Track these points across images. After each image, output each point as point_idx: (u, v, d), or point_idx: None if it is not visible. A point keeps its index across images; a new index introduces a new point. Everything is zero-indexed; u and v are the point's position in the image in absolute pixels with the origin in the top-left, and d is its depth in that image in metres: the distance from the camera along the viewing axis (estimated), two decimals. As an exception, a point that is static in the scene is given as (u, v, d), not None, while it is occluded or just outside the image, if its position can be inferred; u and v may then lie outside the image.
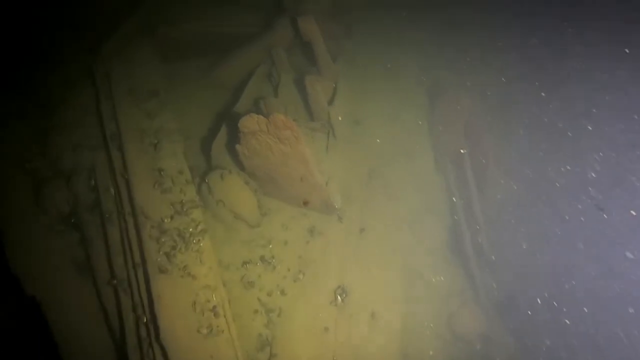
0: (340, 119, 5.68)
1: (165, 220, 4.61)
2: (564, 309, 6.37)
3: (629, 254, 5.97)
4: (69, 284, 4.56)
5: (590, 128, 5.81)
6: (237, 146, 4.99)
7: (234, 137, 5.00)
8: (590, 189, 5.99)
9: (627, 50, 5.92)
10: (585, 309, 6.30)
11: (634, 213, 5.92)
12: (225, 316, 4.33)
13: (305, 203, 5.32)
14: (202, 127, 6.20)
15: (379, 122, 6.49)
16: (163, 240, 4.47)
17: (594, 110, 5.93)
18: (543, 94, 6.27)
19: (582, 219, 6.06)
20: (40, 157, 5.09)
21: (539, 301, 6.43)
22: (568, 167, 5.84)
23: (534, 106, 6.12)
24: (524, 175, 6.02)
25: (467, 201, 6.05)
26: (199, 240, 4.57)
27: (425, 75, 6.70)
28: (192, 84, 6.50)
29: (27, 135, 5.46)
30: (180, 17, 6.63)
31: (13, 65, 5.84)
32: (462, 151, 5.52)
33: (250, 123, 4.70)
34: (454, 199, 6.13)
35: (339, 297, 5.05)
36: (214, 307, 4.30)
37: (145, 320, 4.18)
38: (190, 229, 4.64)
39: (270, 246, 5.25)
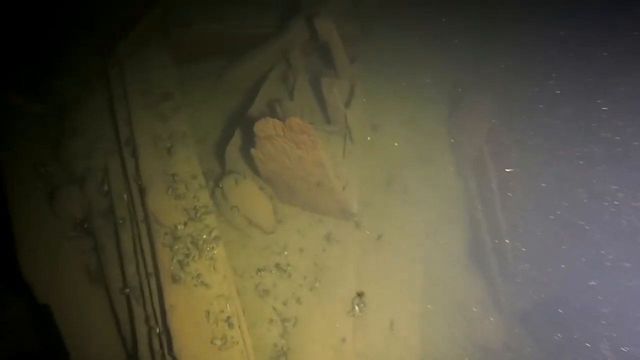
0: (357, 122, 5.50)
1: (179, 227, 4.48)
2: (587, 321, 6.14)
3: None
4: (80, 292, 4.47)
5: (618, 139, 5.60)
6: (252, 150, 4.86)
7: (249, 141, 4.87)
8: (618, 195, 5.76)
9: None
10: (606, 320, 6.08)
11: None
12: (239, 327, 4.20)
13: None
14: (215, 131, 6.09)
15: (397, 126, 6.32)
16: (176, 247, 4.34)
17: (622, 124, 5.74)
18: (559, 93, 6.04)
19: (608, 228, 5.83)
20: (54, 161, 5.00)
21: (561, 311, 6.20)
22: (594, 181, 5.63)
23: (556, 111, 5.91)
24: (549, 182, 5.79)
25: (489, 208, 5.84)
26: (212, 247, 4.44)
27: (445, 77, 6.49)
28: (206, 87, 6.39)
29: (41, 139, 5.41)
30: (195, 18, 6.52)
31: (27, 67, 5.79)
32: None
33: (266, 127, 4.57)
34: (475, 205, 5.92)
35: (356, 306, 4.89)
36: (228, 317, 4.16)
37: (158, 331, 4.06)
38: (204, 236, 4.51)
39: (286, 253, 5.11)
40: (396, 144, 6.19)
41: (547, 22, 6.06)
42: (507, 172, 5.95)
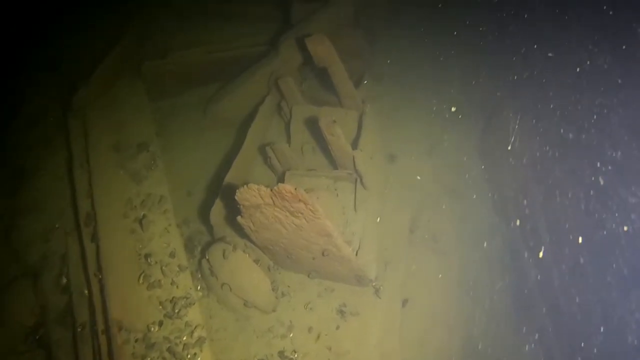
0: (370, 164, 4.47)
1: (152, 329, 3.62)
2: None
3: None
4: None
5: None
6: (239, 219, 3.92)
7: (234, 206, 3.93)
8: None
9: None
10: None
11: None
12: None
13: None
14: (203, 179, 5.18)
15: (418, 155, 5.25)
16: (149, 359, 3.48)
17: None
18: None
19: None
20: (4, 248, 4.18)
21: None
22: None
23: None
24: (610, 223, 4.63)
25: (537, 252, 4.75)
26: (195, 354, 3.56)
27: (472, 92, 5.34)
28: (189, 125, 5.46)
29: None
30: (171, 45, 5.57)
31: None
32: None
33: (249, 195, 3.60)
34: (521, 250, 4.84)
35: (383, 402, 3.96)
36: None
37: None
38: (184, 338, 3.63)
39: (291, 335, 4.20)
40: (419, 178, 5.14)
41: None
42: (557, 202, 4.81)
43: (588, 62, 4.49)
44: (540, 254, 4.68)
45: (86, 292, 3.81)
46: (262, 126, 4.92)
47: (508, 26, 5.07)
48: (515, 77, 4.90)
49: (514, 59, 5.02)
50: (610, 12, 4.16)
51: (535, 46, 4.63)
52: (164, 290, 3.84)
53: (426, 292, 4.58)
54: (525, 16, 5.00)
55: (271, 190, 3.50)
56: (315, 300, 4.36)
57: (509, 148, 5.00)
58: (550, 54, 4.53)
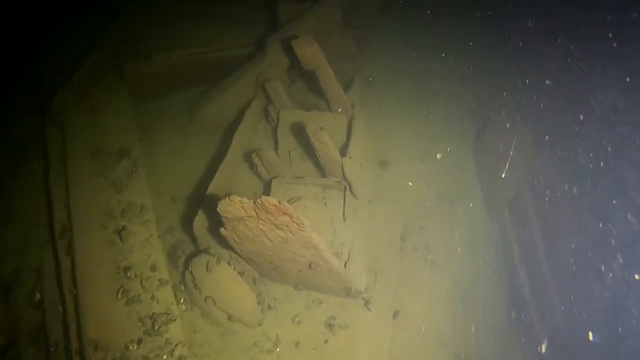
0: (359, 172, 4.31)
1: (131, 348, 3.45)
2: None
3: None
4: None
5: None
6: (222, 231, 3.76)
7: (218, 218, 3.76)
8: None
9: None
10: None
11: None
12: None
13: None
14: (188, 186, 5.00)
15: (410, 160, 5.10)
16: (127, 381, 3.32)
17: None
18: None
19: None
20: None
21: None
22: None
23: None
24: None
25: (532, 260, 4.62)
26: (176, 374, 3.40)
27: (467, 95, 5.18)
28: (173, 130, 5.27)
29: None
30: (155, 47, 5.36)
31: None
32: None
33: (231, 208, 3.43)
34: (514, 258, 4.71)
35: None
36: None
37: None
38: (165, 357, 3.47)
39: (278, 350, 4.04)
40: (411, 184, 4.99)
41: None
42: (553, 211, 4.68)
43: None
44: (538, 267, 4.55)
45: (61, 308, 3.63)
46: (248, 132, 4.74)
47: (503, 31, 4.93)
48: (513, 81, 4.75)
49: (511, 64, 4.88)
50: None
51: (530, 54, 4.49)
52: (143, 305, 3.67)
53: (418, 303, 4.44)
54: (521, 19, 4.86)
55: (254, 203, 3.34)
56: (302, 313, 4.21)
57: (503, 175, 4.84)
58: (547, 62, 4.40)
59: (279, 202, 3.26)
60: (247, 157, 4.61)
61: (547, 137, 4.41)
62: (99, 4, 5.59)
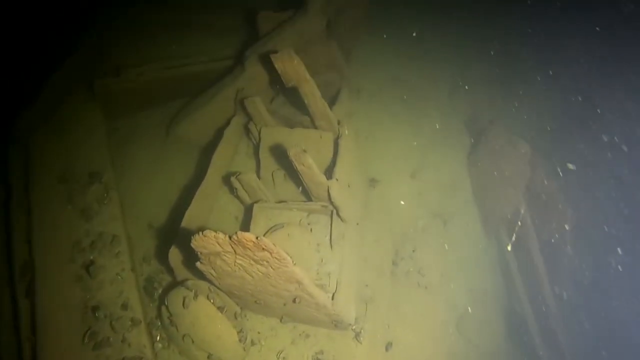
0: (347, 196, 4.02)
1: (98, 400, 3.15)
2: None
3: None
4: None
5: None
6: (199, 265, 3.46)
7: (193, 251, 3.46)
8: None
9: None
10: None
11: None
12: None
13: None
14: (165, 209, 4.68)
15: (401, 177, 4.82)
16: None
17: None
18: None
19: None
20: None
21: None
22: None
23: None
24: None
25: (532, 280, 4.37)
26: None
27: (461, 106, 4.90)
28: (148, 149, 4.95)
29: None
30: (128, 60, 5.04)
31: None
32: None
33: (206, 243, 3.13)
34: (514, 278, 4.45)
35: None
36: None
37: None
38: (136, 410, 3.17)
39: (263, 390, 3.77)
40: (402, 203, 4.71)
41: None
42: (553, 228, 4.43)
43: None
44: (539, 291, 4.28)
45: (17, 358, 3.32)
46: (228, 152, 4.44)
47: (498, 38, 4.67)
48: (509, 91, 4.49)
49: (507, 71, 4.62)
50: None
51: (529, 59, 4.23)
52: (113, 349, 3.36)
53: (412, 333, 4.16)
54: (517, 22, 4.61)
55: (230, 238, 3.04)
56: (288, 348, 3.92)
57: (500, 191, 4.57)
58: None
59: (257, 238, 2.96)
60: (227, 179, 4.31)
61: (545, 150, 4.15)
62: (69, 13, 5.25)
